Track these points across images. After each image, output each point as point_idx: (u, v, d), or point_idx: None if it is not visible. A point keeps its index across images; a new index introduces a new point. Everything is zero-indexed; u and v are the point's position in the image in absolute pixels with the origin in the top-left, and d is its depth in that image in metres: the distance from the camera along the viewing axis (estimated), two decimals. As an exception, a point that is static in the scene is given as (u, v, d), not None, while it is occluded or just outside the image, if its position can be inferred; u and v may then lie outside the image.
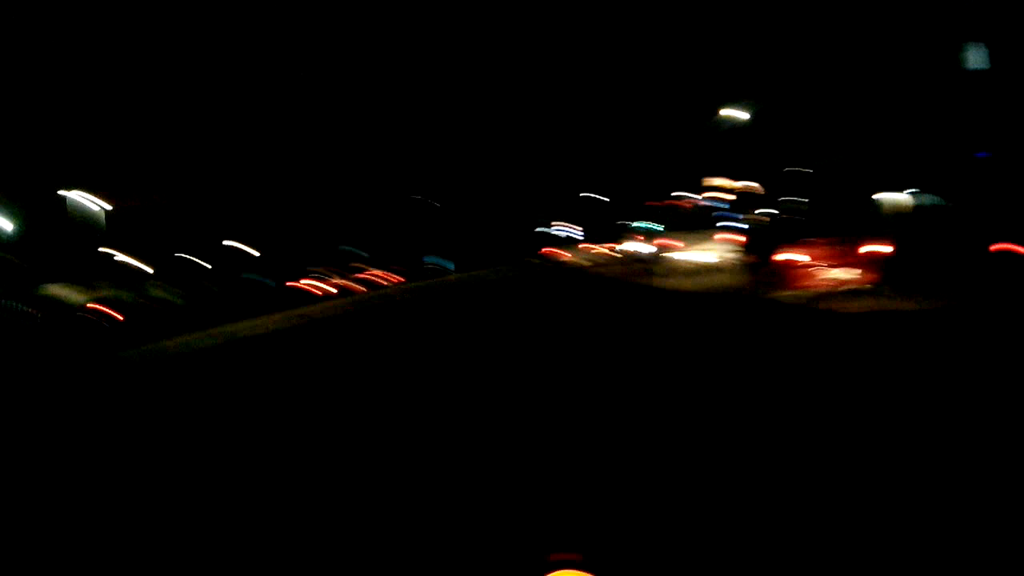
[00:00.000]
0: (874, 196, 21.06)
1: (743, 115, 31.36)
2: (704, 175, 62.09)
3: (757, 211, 49.50)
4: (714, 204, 55.68)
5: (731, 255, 23.18)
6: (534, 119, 49.84)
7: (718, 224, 28.50)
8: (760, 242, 15.95)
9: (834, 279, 13.35)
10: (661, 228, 25.42)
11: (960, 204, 17.43)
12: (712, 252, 23.31)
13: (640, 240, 50.26)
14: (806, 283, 13.31)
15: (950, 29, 17.26)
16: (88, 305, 36.38)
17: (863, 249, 13.76)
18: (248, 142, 44.68)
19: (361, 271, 48.28)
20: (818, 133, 25.46)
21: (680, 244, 23.58)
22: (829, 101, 23.63)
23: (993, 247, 11.95)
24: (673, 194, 52.26)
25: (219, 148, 43.10)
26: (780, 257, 13.85)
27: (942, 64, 18.08)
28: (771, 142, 30.16)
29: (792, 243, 14.08)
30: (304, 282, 40.80)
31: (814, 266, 13.55)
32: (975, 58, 16.30)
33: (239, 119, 42.74)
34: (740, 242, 24.57)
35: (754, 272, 14.83)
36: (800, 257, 13.62)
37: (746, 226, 42.41)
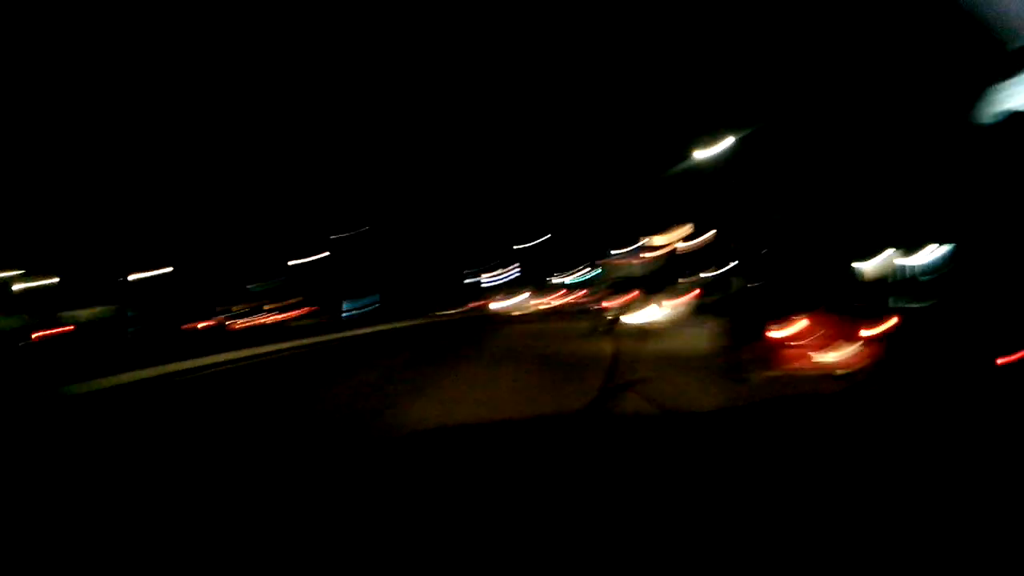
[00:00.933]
0: (854, 260, 18.47)
1: (699, 157, 28.37)
2: (651, 225, 60.32)
3: (712, 269, 47.53)
4: (653, 258, 53.66)
5: (678, 316, 20.53)
6: (467, 159, 46.89)
7: (679, 280, 25.58)
8: (736, 308, 13.22)
9: (828, 362, 10.66)
10: (604, 283, 22.80)
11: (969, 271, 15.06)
12: (668, 312, 20.34)
13: (584, 296, 47.63)
14: (797, 364, 10.38)
15: (951, 72, 14.87)
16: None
17: (857, 325, 11.16)
18: (150, 166, 40.19)
19: (266, 313, 43.93)
20: (786, 179, 22.88)
21: (629, 302, 20.51)
22: (800, 143, 21.05)
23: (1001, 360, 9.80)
24: (624, 248, 49.95)
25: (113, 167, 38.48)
26: (768, 330, 11.21)
27: (936, 108, 15.62)
28: (732, 190, 27.42)
29: (777, 312, 11.41)
30: (201, 324, 36.26)
31: (804, 344, 10.79)
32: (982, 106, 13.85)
33: (138, 141, 38.26)
34: (692, 300, 21.90)
35: (735, 347, 11.81)
36: (785, 331, 10.91)
37: (704, 284, 39.97)
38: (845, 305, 12.06)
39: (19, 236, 36.92)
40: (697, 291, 22.89)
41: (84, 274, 39.68)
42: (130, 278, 44.50)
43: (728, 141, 22.13)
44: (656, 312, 20.09)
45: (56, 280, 39.32)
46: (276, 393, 11.83)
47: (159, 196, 40.23)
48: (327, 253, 50.90)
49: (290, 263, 49.08)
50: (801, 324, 10.72)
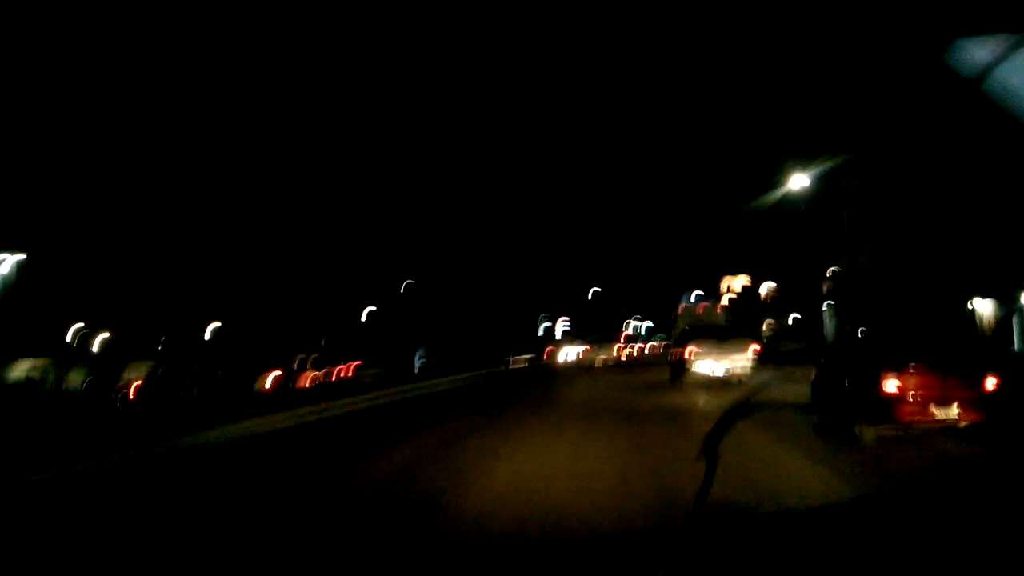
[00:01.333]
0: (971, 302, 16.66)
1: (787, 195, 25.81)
2: (720, 269, 58.45)
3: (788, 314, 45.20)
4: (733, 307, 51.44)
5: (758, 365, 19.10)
6: (537, 198, 46.38)
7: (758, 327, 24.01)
8: (826, 356, 12.01)
9: (945, 417, 9.14)
10: (677, 330, 21.66)
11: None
12: (746, 360, 18.85)
13: (654, 345, 45.85)
14: (909, 419, 9.23)
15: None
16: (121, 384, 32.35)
17: (969, 375, 9.61)
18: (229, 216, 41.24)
19: (335, 364, 43.99)
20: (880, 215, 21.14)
21: (704, 351, 19.11)
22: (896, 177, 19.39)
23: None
24: (695, 293, 48.22)
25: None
26: (872, 380, 9.88)
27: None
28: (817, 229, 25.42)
29: (878, 361, 10.25)
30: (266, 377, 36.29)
31: (913, 395, 9.54)
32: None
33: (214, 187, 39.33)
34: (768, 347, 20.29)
35: (833, 400, 10.65)
36: (891, 381, 9.60)
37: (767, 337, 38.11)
38: (954, 354, 10.82)
39: (82, 290, 37.94)
40: (772, 337, 21.41)
41: (136, 328, 40.37)
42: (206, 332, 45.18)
43: (816, 173, 20.66)
44: (735, 361, 18.74)
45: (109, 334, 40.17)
46: (335, 464, 10.42)
47: (213, 251, 40.87)
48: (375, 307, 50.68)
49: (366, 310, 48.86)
50: (909, 373, 9.47)
